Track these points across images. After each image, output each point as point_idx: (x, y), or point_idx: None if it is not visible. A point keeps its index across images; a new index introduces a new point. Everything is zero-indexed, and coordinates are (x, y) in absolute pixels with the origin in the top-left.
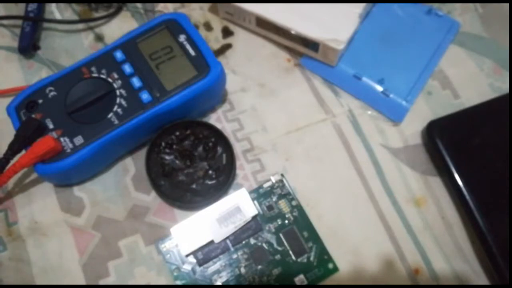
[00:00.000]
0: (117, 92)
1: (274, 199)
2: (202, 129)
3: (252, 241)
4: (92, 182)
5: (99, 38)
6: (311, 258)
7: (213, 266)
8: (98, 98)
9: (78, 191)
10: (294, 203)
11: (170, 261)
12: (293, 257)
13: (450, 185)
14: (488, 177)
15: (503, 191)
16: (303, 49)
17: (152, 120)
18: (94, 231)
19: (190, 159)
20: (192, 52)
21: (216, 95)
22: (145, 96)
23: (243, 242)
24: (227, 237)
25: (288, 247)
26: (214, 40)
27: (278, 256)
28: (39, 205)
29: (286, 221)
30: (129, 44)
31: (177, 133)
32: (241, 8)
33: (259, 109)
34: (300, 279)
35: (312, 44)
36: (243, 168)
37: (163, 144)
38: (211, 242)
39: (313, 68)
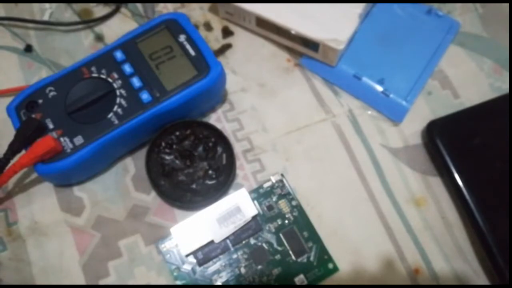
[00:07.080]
0: (117, 92)
1: (274, 199)
2: (202, 129)
3: (252, 241)
4: (92, 182)
5: (99, 38)
6: (311, 258)
7: (213, 266)
8: (98, 98)
9: (78, 191)
10: (294, 203)
11: (170, 261)
12: (293, 257)
13: (450, 185)
14: (488, 177)
15: (503, 191)
16: (303, 49)
17: (152, 120)
18: (94, 231)
19: (190, 159)
20: (192, 52)
21: (216, 95)
22: (145, 96)
23: (243, 242)
24: (227, 237)
25: (288, 247)
26: (214, 40)
27: (278, 256)
28: (39, 205)
29: (286, 221)
30: (129, 44)
31: (177, 133)
32: (241, 8)
33: (259, 109)
34: (300, 279)
35: (312, 44)
36: (243, 168)
37: (163, 144)
38: (211, 242)
39: (313, 68)
